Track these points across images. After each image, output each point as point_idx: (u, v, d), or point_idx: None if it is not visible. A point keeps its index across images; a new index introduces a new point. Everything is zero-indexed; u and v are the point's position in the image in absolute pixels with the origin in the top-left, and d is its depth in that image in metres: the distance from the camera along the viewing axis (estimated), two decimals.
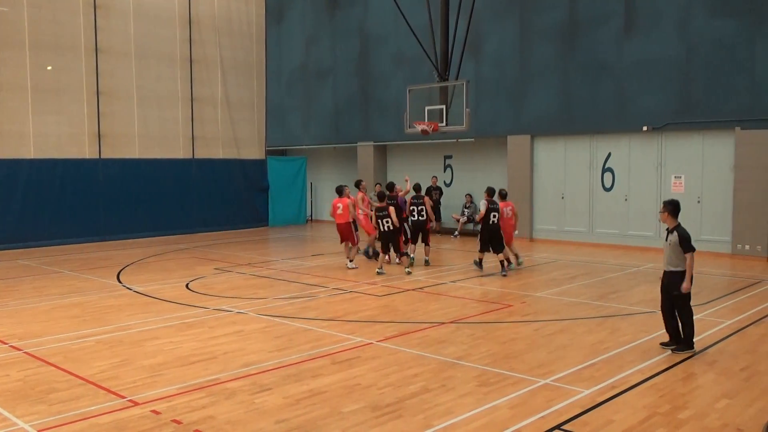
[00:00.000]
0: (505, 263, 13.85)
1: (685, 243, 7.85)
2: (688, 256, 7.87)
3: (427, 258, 15.20)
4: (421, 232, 14.85)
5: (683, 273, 7.91)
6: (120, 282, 13.32)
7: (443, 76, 17.33)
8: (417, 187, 15.13)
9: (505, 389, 6.75)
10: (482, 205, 13.81)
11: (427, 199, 15.01)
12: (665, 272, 8.10)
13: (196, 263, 15.80)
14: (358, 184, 16.31)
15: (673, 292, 7.93)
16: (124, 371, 7.40)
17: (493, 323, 9.69)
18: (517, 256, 14.77)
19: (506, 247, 14.04)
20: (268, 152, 25.02)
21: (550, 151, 19.76)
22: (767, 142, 15.65)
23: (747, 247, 16.04)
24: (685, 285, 7.89)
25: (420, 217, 14.66)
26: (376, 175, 24.21)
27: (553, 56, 19.18)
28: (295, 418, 6.01)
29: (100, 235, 19.91)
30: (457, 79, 17.03)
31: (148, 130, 21.10)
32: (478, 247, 14.13)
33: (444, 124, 16.64)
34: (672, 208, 8.05)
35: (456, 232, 21.21)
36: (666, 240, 8.06)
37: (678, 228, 7.99)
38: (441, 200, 21.90)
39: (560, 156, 19.55)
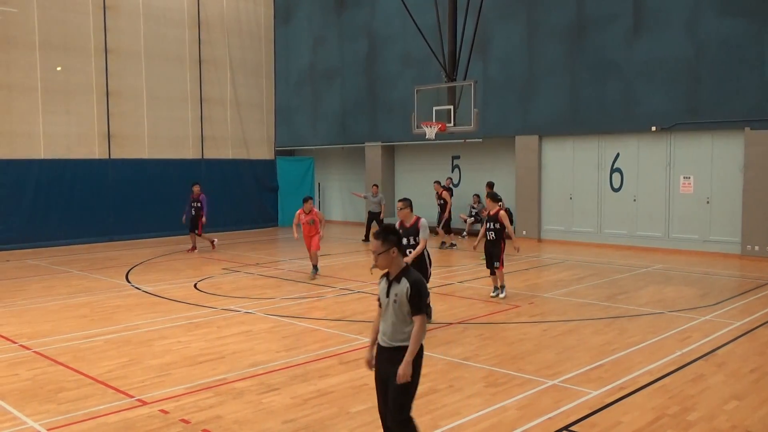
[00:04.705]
0: None
1: (417, 299, 4.66)
2: (418, 320, 4.66)
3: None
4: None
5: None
6: (129, 282, 13.37)
7: (451, 77, 17.32)
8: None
9: (512, 390, 6.73)
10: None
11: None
12: (384, 349, 4.84)
13: (205, 263, 15.85)
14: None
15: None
16: (132, 371, 7.43)
17: (500, 324, 9.67)
18: (314, 266, 13.82)
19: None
20: (276, 152, 25.07)
21: (558, 151, 19.71)
22: None
23: (756, 248, 15.94)
24: (403, 369, 4.60)
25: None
26: (384, 175, 24.22)
27: (561, 56, 19.13)
28: (302, 418, 6.01)
29: (109, 235, 19.98)
30: (464, 79, 17.02)
31: (158, 131, 21.17)
32: None
33: (452, 124, 16.63)
34: (397, 239, 4.80)
35: (464, 233, 21.19)
36: (387, 295, 4.75)
37: (409, 273, 4.76)
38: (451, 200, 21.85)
39: (568, 156, 19.49)
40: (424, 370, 7.26)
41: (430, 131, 16.88)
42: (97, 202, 19.85)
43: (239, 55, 23.36)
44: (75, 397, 6.56)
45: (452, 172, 22.95)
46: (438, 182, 19.57)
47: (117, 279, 13.65)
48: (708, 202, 16.87)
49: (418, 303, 4.66)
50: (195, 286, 12.80)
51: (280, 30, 25.87)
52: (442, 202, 18.94)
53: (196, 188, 17.88)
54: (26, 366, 7.64)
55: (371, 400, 6.43)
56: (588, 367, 7.49)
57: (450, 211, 18.94)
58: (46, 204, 18.88)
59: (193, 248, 17.89)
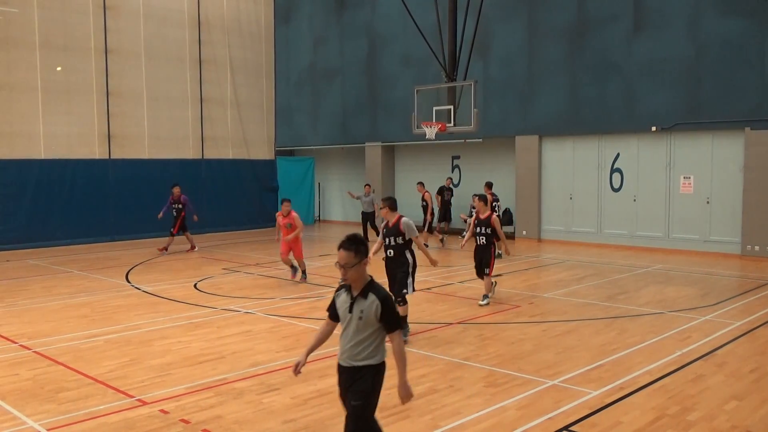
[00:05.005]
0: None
1: (391, 316, 4.42)
2: (396, 337, 4.47)
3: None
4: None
5: (378, 367, 4.50)
6: (129, 282, 13.37)
7: (451, 77, 17.32)
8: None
9: (512, 390, 6.73)
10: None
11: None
12: (345, 369, 4.60)
13: (205, 263, 15.85)
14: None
15: (354, 401, 4.48)
16: (132, 371, 7.43)
17: (501, 324, 9.68)
18: (303, 271, 13.35)
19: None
20: (277, 152, 25.08)
21: (559, 151, 19.71)
22: None
23: (757, 248, 15.94)
24: (404, 391, 4.53)
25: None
26: (384, 175, 24.22)
27: (562, 56, 19.13)
28: (302, 418, 6.02)
29: (110, 235, 20.00)
30: (465, 79, 17.02)
31: (158, 131, 21.17)
32: None
33: (452, 124, 16.64)
34: (366, 249, 4.45)
35: (464, 233, 21.15)
36: (350, 310, 4.46)
37: (375, 288, 4.45)
38: (451, 201, 21.84)
39: (568, 156, 19.49)
40: (423, 371, 7.26)
41: (430, 131, 16.89)
42: (98, 202, 19.85)
43: (239, 55, 23.37)
44: (75, 397, 6.56)
45: (452, 172, 22.95)
46: (421, 183, 19.33)
47: (117, 279, 13.65)
48: (708, 202, 16.88)
49: (393, 319, 4.40)
50: (195, 286, 12.80)
51: (280, 30, 25.88)
52: (424, 203, 18.73)
53: (177, 189, 17.83)
54: (27, 366, 7.65)
55: None
56: (588, 367, 7.49)
57: (432, 213, 18.60)
58: (46, 204, 18.88)
59: (192, 247, 17.90)
